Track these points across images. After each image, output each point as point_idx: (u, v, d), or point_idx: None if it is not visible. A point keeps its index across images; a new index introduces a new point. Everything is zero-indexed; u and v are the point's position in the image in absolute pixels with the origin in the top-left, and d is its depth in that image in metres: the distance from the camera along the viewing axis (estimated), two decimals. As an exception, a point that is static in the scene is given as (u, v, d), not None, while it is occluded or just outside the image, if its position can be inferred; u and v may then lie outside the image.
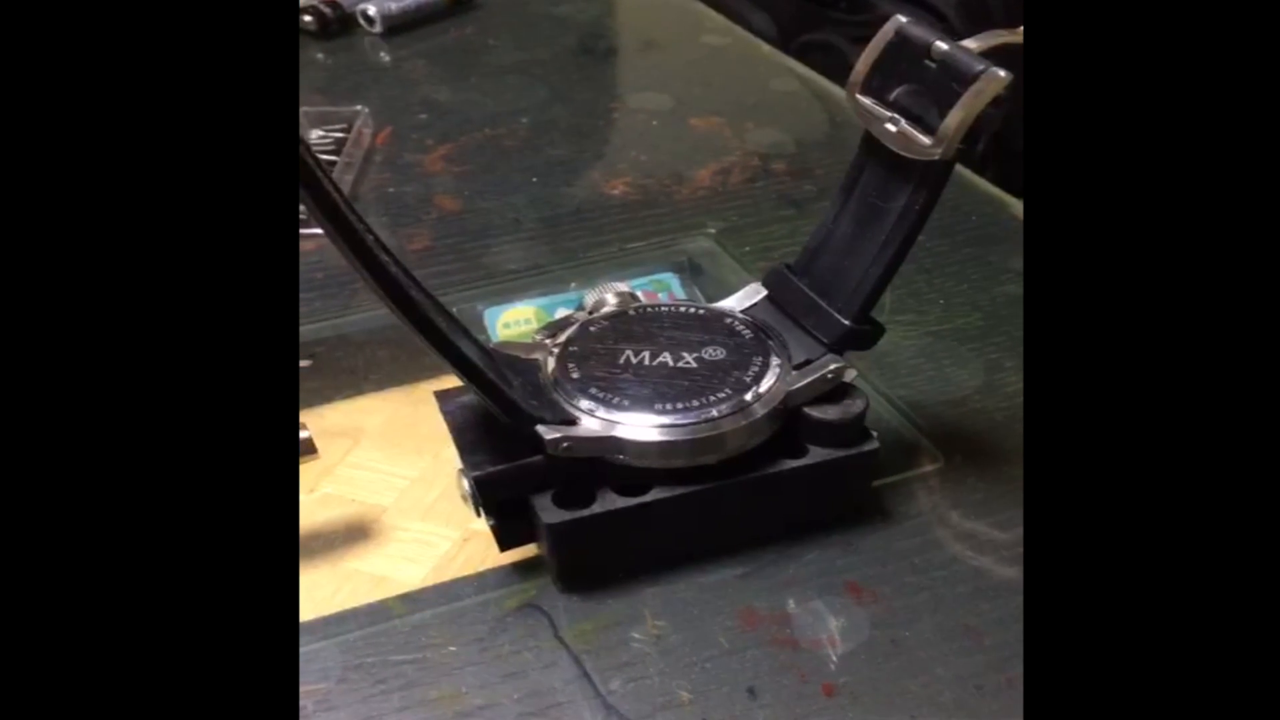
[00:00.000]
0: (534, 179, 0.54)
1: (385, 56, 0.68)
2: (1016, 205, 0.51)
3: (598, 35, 0.71)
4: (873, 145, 0.29)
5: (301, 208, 0.23)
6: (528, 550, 0.33)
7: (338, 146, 0.55)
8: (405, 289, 0.27)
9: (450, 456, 0.38)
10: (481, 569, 0.34)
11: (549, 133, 0.58)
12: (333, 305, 0.44)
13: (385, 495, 0.37)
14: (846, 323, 0.32)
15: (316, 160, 0.23)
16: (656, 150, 0.56)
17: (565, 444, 0.30)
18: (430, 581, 0.33)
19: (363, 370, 0.42)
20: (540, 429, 0.30)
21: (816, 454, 0.32)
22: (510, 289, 0.45)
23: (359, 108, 0.58)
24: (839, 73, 0.30)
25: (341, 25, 0.71)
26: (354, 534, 0.35)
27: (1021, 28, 0.28)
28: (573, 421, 0.31)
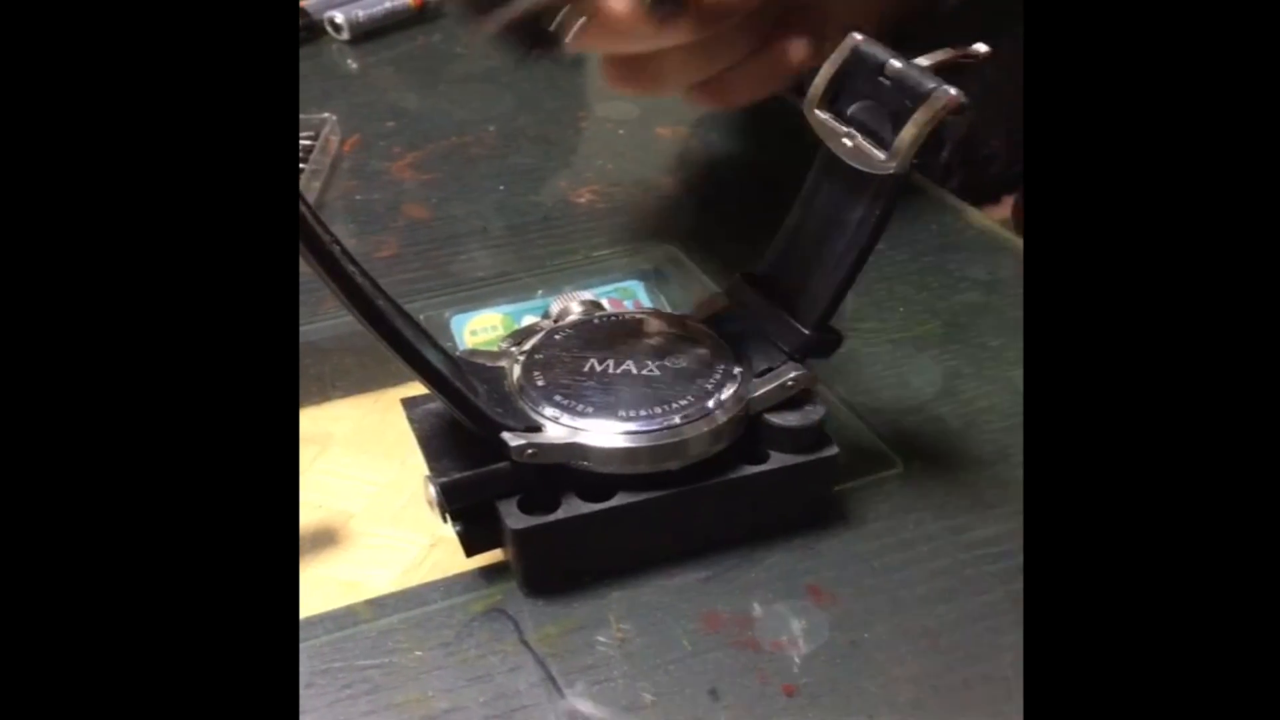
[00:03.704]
0: (501, 186, 0.54)
1: (353, 64, 0.68)
2: (975, 213, 0.52)
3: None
4: (830, 159, 0.30)
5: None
6: (494, 555, 0.34)
7: (305, 154, 0.55)
8: (371, 298, 0.27)
9: (418, 463, 0.38)
10: (449, 574, 0.34)
11: (516, 140, 0.59)
12: (300, 311, 0.45)
13: (353, 501, 0.37)
14: (806, 331, 0.32)
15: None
16: (623, 159, 0.57)
17: (530, 450, 0.30)
18: (398, 586, 0.34)
19: (330, 377, 0.42)
20: (505, 436, 0.30)
21: (777, 459, 0.33)
22: (478, 296, 0.46)
23: (326, 115, 0.58)
24: (807, 81, 0.30)
25: (309, 32, 0.71)
26: (322, 539, 0.36)
27: (974, 46, 0.28)
28: (538, 428, 0.31)
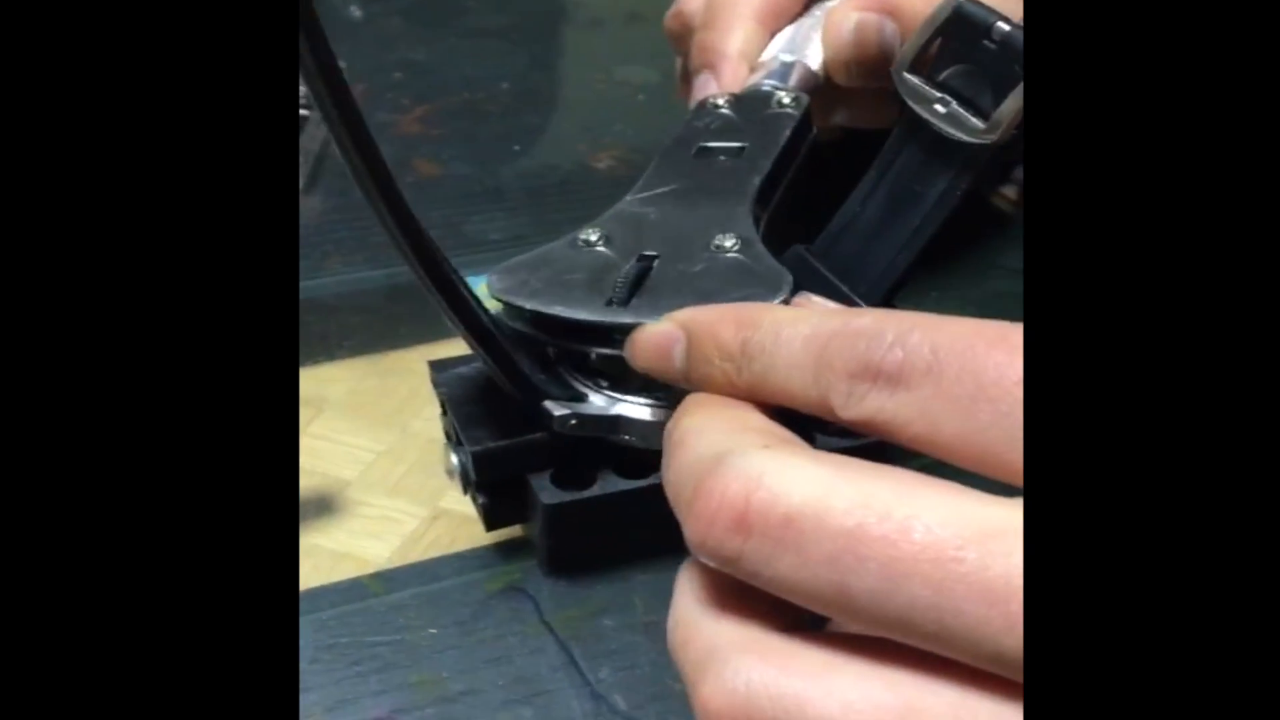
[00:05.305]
0: (516, 147, 0.52)
1: (357, 11, 0.66)
2: (1001, 200, 0.51)
3: (579, 3, 0.69)
4: (912, 126, 0.28)
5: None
6: (508, 531, 0.32)
7: (309, 103, 0.52)
8: (432, 249, 0.25)
9: (420, 430, 0.36)
10: (452, 548, 0.32)
11: (531, 100, 0.57)
12: (302, 266, 0.42)
13: (349, 468, 0.35)
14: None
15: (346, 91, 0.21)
16: (645, 124, 0.55)
17: (573, 420, 0.29)
18: (396, 560, 0.32)
19: (335, 336, 0.40)
20: (548, 404, 0.29)
21: (822, 443, 0.31)
22: (492, 260, 0.43)
23: (331, 61, 0.56)
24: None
25: (311, -25, 0.68)
26: (315, 507, 0.34)
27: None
28: (580, 398, 0.29)
